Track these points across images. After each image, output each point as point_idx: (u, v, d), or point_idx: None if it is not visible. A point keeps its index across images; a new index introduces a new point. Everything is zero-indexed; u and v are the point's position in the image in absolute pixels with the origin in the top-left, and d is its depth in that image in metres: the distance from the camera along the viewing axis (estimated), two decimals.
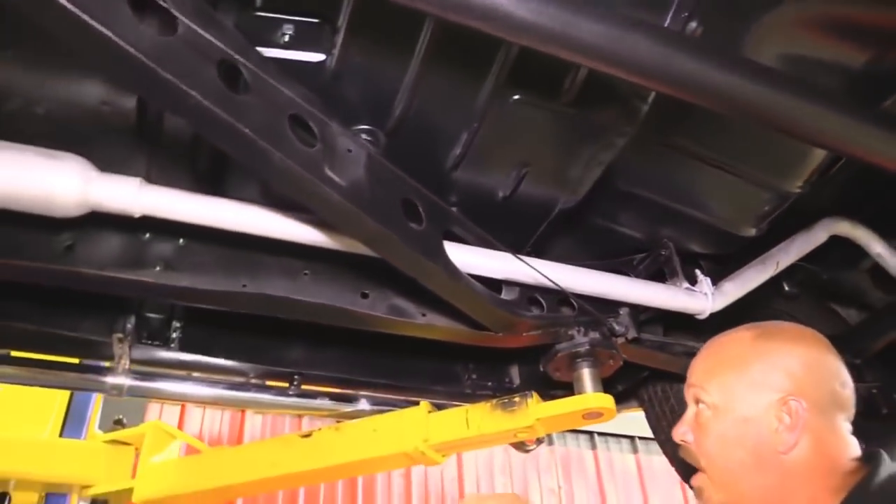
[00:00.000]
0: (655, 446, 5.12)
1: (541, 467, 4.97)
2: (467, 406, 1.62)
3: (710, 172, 1.58)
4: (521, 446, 2.02)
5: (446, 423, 1.59)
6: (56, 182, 1.15)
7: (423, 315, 1.51)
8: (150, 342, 1.52)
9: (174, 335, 1.55)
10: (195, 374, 1.63)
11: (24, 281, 1.27)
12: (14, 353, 1.53)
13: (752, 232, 1.73)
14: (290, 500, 3.88)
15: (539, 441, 2.06)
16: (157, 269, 1.33)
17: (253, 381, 1.66)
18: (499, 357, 1.87)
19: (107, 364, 1.57)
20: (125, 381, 1.55)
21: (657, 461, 5.02)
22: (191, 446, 2.03)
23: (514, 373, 1.88)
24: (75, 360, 1.56)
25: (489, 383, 1.83)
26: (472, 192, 1.45)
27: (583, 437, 5.34)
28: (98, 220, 1.31)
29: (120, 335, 1.46)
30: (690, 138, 1.50)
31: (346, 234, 1.29)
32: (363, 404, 1.76)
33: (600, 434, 5.16)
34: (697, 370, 1.24)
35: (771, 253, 1.88)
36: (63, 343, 1.50)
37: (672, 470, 2.27)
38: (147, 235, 1.37)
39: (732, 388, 1.15)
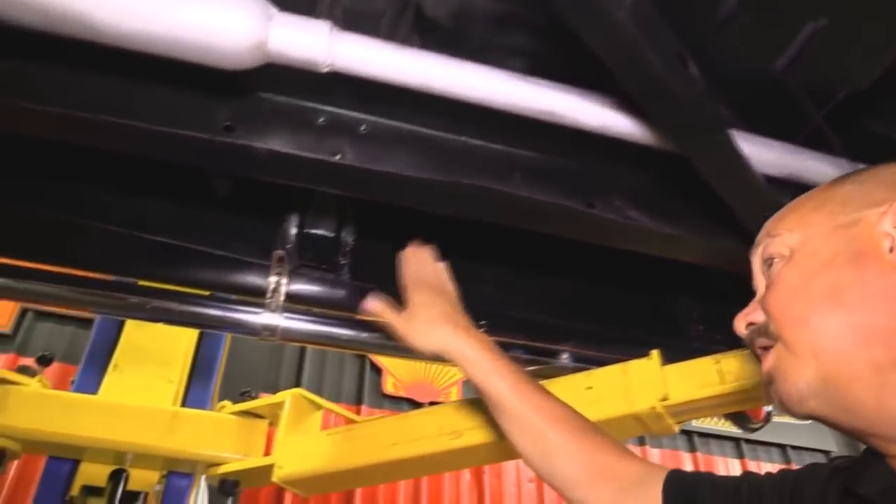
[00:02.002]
0: (764, 451, 4.57)
1: None
2: (716, 355, 1.27)
3: None
4: (744, 422, 1.66)
5: (691, 377, 1.25)
6: (228, 19, 0.88)
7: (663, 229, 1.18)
8: (314, 265, 1.24)
9: (343, 261, 1.26)
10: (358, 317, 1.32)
11: (175, 160, 1.02)
12: (141, 283, 1.28)
13: None
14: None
15: (767, 419, 1.69)
16: (337, 157, 1.04)
17: None
18: (725, 302, 1.52)
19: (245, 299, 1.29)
20: (279, 320, 1.26)
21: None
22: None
23: None
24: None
25: (718, 336, 1.47)
26: (741, 58, 1.11)
27: (681, 439, 4.69)
28: (262, 98, 1.07)
29: (281, 253, 1.18)
30: None
31: (603, 90, 0.98)
32: (564, 360, 1.42)
33: (700, 434, 4.51)
34: (761, 232, 0.87)
35: None
36: (206, 266, 1.23)
37: None
38: (322, 120, 1.09)
39: (813, 217, 0.79)
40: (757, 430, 1.66)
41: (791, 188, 1.18)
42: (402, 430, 1.46)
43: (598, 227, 1.18)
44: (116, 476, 1.72)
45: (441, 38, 1.08)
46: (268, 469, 1.61)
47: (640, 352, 1.39)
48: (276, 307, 1.27)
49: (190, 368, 1.90)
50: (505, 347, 1.42)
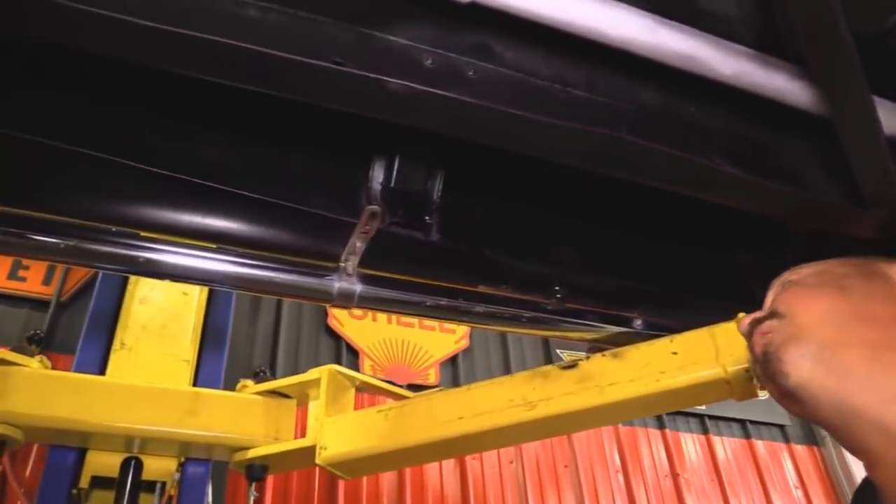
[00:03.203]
0: (726, 426, 4.85)
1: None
2: None
3: None
4: None
5: None
6: None
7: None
8: (401, 224, 1.17)
9: (429, 219, 1.19)
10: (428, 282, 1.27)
11: (280, 93, 0.94)
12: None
13: None
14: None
15: None
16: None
17: (506, 293, 1.30)
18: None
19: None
20: (356, 285, 1.19)
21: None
22: None
23: None
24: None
25: None
26: (855, 15, 1.11)
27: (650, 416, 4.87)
28: (369, 35, 0.99)
29: (375, 208, 1.10)
30: None
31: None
32: (637, 326, 1.40)
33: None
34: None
35: None
36: (289, 227, 1.15)
37: None
38: (429, 62, 1.02)
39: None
40: None
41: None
42: (466, 404, 1.41)
43: (702, 179, 1.16)
44: (130, 465, 1.60)
45: None
46: (308, 451, 1.53)
47: (710, 316, 1.39)
48: (353, 270, 1.20)
49: (200, 343, 1.79)
50: (578, 315, 1.42)
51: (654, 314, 1.47)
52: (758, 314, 0.87)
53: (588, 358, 1.37)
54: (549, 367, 1.39)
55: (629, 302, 1.43)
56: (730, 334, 1.29)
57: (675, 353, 1.31)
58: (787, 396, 0.78)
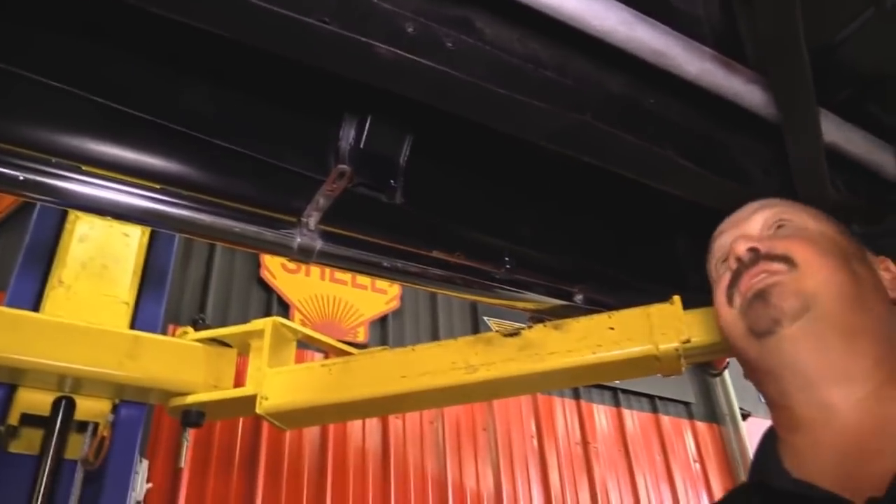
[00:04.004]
0: (636, 400, 5.17)
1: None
2: None
3: None
4: (709, 368, 1.84)
5: (709, 322, 1.35)
6: None
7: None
8: (367, 185, 1.20)
9: (394, 183, 1.22)
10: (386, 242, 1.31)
11: (266, 46, 0.96)
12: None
13: None
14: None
15: (725, 367, 1.87)
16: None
17: (459, 260, 1.35)
18: None
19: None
20: (317, 241, 1.22)
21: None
22: None
23: None
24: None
25: None
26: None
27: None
28: (360, 1, 1.01)
29: (345, 168, 1.13)
30: None
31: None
32: (578, 300, 1.49)
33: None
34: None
35: None
36: (252, 178, 1.16)
37: None
38: (411, 29, 1.05)
39: (825, 221, 1.01)
40: (717, 375, 1.84)
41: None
42: (410, 363, 1.47)
43: (656, 168, 1.23)
44: (62, 404, 1.58)
45: None
46: (248, 400, 1.56)
47: (647, 296, 1.49)
48: (315, 226, 1.23)
49: (139, 285, 1.77)
50: (524, 286, 1.49)
51: (596, 291, 1.56)
52: (756, 244, 0.92)
53: (531, 327, 1.44)
54: (492, 334, 1.46)
55: (573, 278, 1.52)
56: (664, 314, 1.39)
57: (611, 329, 1.39)
58: (753, 335, 0.85)
